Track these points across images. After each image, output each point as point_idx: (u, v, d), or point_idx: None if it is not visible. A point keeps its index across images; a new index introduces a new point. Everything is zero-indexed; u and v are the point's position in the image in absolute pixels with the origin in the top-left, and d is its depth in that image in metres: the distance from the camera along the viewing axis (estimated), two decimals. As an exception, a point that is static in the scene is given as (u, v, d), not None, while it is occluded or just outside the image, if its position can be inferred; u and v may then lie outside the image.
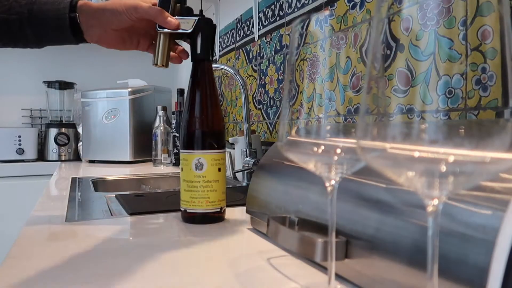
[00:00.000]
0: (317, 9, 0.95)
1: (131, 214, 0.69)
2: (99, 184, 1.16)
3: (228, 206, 0.67)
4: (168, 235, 0.56)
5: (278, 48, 1.14)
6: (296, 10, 1.05)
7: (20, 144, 1.85)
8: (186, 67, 2.11)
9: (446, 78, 0.66)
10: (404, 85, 0.70)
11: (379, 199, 0.36)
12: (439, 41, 0.67)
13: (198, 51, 0.63)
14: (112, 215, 0.70)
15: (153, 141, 1.56)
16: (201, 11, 0.67)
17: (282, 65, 1.11)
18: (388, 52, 0.76)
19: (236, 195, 0.87)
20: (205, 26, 0.63)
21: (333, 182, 0.35)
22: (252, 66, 1.31)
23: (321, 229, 0.41)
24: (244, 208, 0.62)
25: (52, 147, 1.90)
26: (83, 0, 0.63)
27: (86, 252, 0.48)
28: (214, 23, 0.65)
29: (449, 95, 0.61)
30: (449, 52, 0.60)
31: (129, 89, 1.66)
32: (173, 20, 0.62)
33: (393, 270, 0.32)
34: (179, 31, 0.62)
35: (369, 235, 0.36)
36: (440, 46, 0.65)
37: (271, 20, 1.18)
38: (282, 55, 1.11)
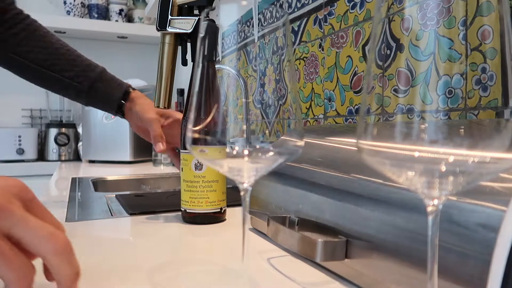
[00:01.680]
0: (317, 9, 0.95)
1: (131, 214, 0.69)
2: (99, 184, 1.16)
3: (228, 206, 0.67)
4: (168, 235, 0.56)
5: (275, 49, 1.14)
6: (296, 10, 1.05)
7: (20, 144, 1.85)
8: (186, 67, 2.11)
9: (446, 78, 0.66)
10: (404, 85, 0.70)
11: (379, 198, 0.36)
12: (439, 41, 0.67)
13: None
14: (112, 215, 0.70)
15: (153, 141, 1.56)
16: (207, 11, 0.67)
17: (279, 66, 1.11)
18: (388, 52, 0.76)
19: (236, 195, 0.86)
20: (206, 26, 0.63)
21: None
22: (252, 66, 1.31)
23: (321, 229, 0.41)
24: (244, 208, 0.62)
25: (52, 147, 1.90)
26: (135, 92, 0.82)
27: (86, 252, 0.48)
28: (216, 23, 0.65)
29: (449, 95, 0.61)
30: (449, 52, 0.60)
31: (129, 89, 1.66)
32: (161, 146, 0.76)
33: (393, 270, 0.32)
34: (179, 31, 0.63)
35: (369, 235, 0.36)
36: (440, 46, 0.65)
37: (270, 22, 1.18)
38: (278, 56, 1.11)
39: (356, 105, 0.81)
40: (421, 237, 0.30)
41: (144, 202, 0.80)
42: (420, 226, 0.31)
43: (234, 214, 0.69)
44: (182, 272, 0.42)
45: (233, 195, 0.86)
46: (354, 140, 0.46)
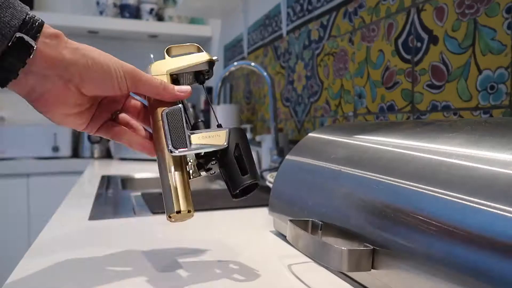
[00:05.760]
0: (347, 1, 0.91)
1: (154, 213, 0.68)
2: (127, 182, 1.17)
3: (252, 207, 0.65)
4: (188, 235, 0.55)
5: (307, 43, 1.10)
6: (325, 3, 1.01)
7: (55, 142, 1.91)
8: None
9: (488, 72, 0.61)
10: (439, 80, 0.65)
11: (411, 204, 0.33)
12: (479, 31, 0.62)
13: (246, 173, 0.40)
14: (135, 214, 0.69)
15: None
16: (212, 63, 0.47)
17: (311, 61, 1.08)
18: (419, 44, 0.71)
19: (262, 195, 0.84)
20: (240, 135, 0.42)
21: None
22: (280, 63, 1.28)
23: (346, 235, 0.38)
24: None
25: (85, 144, 1.95)
26: (51, 29, 0.36)
27: (104, 250, 0.47)
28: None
29: (491, 91, 0.56)
30: (491, 44, 0.55)
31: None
32: (184, 87, 0.44)
33: (424, 283, 0.29)
34: (209, 150, 0.40)
35: (398, 244, 0.32)
36: (481, 37, 0.60)
37: (300, 15, 1.15)
38: (311, 51, 1.08)
39: (388, 102, 0.77)
40: (457, 248, 0.27)
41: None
42: (457, 236, 0.27)
43: (258, 216, 0.67)
44: (199, 273, 0.40)
45: (258, 195, 0.84)
46: (383, 139, 0.43)
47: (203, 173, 0.42)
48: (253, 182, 0.40)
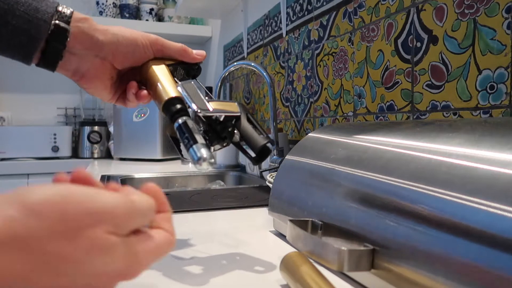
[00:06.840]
0: (347, 1, 0.91)
1: (154, 213, 0.68)
2: (127, 182, 1.17)
3: (252, 207, 0.65)
4: (188, 235, 0.55)
5: (306, 43, 1.10)
6: (325, 3, 1.01)
7: (55, 142, 1.91)
8: (214, 64, 2.10)
9: (487, 72, 0.61)
10: (439, 80, 0.65)
11: (411, 203, 0.33)
12: (479, 31, 0.62)
13: (261, 135, 0.46)
14: (135, 214, 0.69)
15: (181, 139, 1.57)
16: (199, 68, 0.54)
17: (310, 61, 1.08)
18: (419, 44, 0.72)
19: (262, 195, 0.84)
20: (246, 108, 0.48)
21: None
22: (280, 62, 1.28)
23: (347, 235, 0.38)
24: (267, 209, 0.60)
25: (85, 144, 1.95)
26: (80, 14, 0.44)
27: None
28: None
29: (490, 91, 0.56)
30: (491, 44, 0.55)
31: (159, 88, 1.67)
32: (200, 51, 0.52)
33: (424, 283, 0.29)
34: (231, 114, 0.46)
35: (398, 243, 0.32)
36: (481, 37, 0.60)
37: (299, 15, 1.15)
38: (311, 51, 1.08)
39: (387, 101, 0.77)
40: (457, 248, 0.27)
41: (168, 200, 0.79)
42: (457, 236, 0.27)
43: (258, 215, 0.67)
44: (197, 275, 0.40)
45: (258, 195, 0.84)
46: (383, 139, 0.43)
47: (214, 147, 0.46)
48: (269, 141, 0.45)
